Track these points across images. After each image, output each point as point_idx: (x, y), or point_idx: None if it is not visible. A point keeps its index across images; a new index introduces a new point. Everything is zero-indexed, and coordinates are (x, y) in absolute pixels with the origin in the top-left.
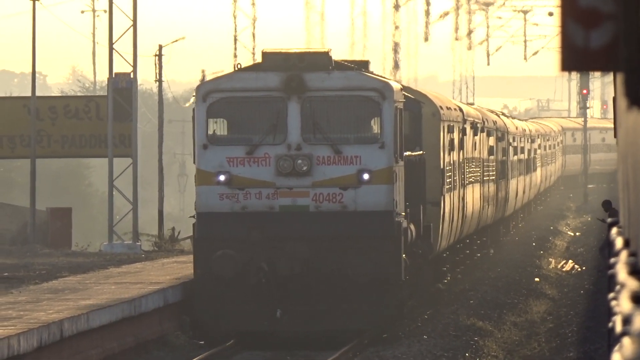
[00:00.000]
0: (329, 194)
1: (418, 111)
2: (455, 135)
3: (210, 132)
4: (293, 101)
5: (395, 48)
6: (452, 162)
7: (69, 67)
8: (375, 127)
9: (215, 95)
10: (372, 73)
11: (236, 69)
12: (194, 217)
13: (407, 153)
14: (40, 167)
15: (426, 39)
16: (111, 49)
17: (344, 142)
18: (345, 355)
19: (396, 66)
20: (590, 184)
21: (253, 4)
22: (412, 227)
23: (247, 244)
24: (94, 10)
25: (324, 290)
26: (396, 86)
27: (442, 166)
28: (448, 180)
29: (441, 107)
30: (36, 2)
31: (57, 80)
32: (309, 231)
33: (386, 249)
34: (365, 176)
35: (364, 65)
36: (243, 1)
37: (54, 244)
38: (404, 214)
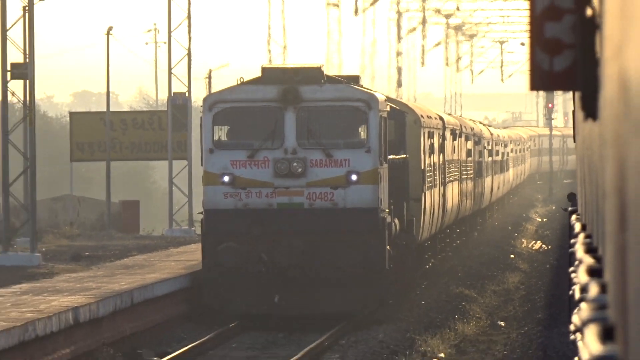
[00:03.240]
0: (321, 193)
1: (402, 120)
2: (436, 140)
3: (215, 138)
4: (289, 111)
5: (398, 71)
6: (432, 163)
7: (136, 87)
8: (362, 134)
9: (220, 106)
10: (361, 86)
11: (239, 81)
12: (202, 213)
13: (392, 156)
14: (114, 168)
15: (423, 64)
16: (170, 73)
17: (334, 147)
18: (335, 336)
19: (399, 85)
20: (540, 180)
21: (284, 35)
22: (396, 221)
23: (248, 237)
24: (155, 42)
25: (317, 278)
26: (381, 97)
27: (422, 167)
28: (429, 179)
29: (422, 116)
30: (109, 35)
31: (126, 98)
32: (304, 226)
33: (372, 242)
34: (354, 177)
35: (354, 79)
36: (276, 33)
37: (125, 229)
38: (388, 210)
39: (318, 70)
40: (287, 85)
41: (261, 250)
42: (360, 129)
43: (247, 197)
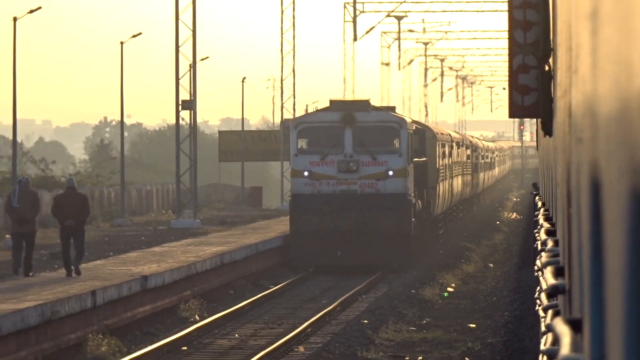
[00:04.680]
0: (369, 183)
1: (423, 135)
2: (446, 149)
3: (299, 146)
4: (348, 129)
5: (425, 105)
6: (444, 164)
7: (260, 115)
8: (396, 144)
9: (302, 125)
10: (395, 113)
11: (315, 109)
12: (289, 196)
13: (416, 159)
14: (246, 165)
15: (442, 100)
16: (282, 107)
17: (378, 152)
18: (383, 274)
19: (426, 114)
20: (513, 175)
21: (353, 80)
22: (419, 202)
23: (320, 212)
24: (273, 87)
25: (366, 239)
26: (409, 120)
27: (437, 166)
28: (441, 174)
29: (437, 133)
30: (244, 82)
31: (254, 122)
32: (357, 205)
33: (402, 215)
34: (390, 173)
35: (391, 108)
36: (348, 80)
37: (253, 205)
38: (413, 195)
39: (367, 102)
40: (346, 112)
41: (329, 221)
42: (394, 141)
43: (320, 185)
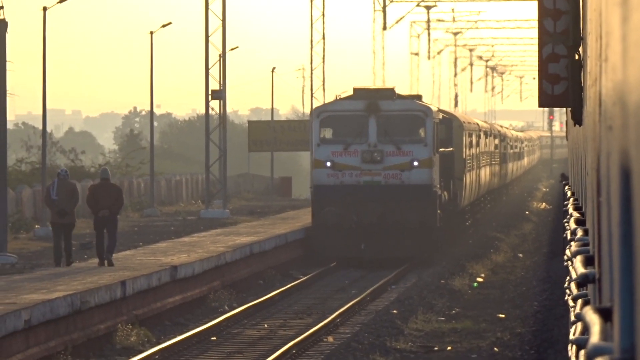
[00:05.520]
0: (393, 174)
1: (450, 124)
2: (473, 138)
3: (321, 136)
4: (372, 117)
5: (455, 95)
6: (471, 154)
7: (290, 105)
8: (422, 133)
9: (324, 114)
10: (421, 101)
11: (338, 98)
12: (311, 188)
13: (442, 149)
14: (275, 155)
15: (471, 90)
16: (312, 96)
17: (402, 142)
18: (412, 266)
19: (456, 104)
20: (541, 165)
21: (383, 70)
22: (445, 193)
23: (343, 204)
24: (303, 77)
25: (390, 232)
26: (434, 109)
27: (464, 157)
28: (468, 165)
29: (464, 122)
30: (273, 72)
31: (284, 111)
32: (381, 196)
33: (427, 207)
34: (415, 163)
35: (418, 97)
36: (378, 70)
37: (282, 195)
38: (438, 186)
39: (392, 90)
40: (370, 100)
41: (352, 213)
42: (420, 130)
43: (343, 176)
